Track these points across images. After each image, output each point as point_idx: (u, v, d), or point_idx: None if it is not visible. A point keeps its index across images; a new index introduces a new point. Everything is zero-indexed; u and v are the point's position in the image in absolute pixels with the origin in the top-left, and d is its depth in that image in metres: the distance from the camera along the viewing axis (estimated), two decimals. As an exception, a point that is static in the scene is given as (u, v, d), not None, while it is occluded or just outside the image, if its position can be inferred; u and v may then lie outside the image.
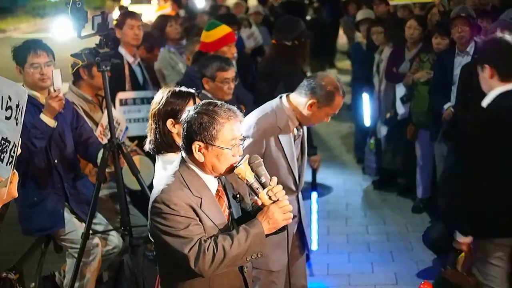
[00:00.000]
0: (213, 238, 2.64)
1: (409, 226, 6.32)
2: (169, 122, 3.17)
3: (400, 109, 6.73)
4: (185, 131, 2.71)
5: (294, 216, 3.91)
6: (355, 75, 9.04)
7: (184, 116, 2.74)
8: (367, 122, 7.72)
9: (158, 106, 3.21)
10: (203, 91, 4.59)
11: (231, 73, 4.59)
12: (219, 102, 2.76)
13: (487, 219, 3.65)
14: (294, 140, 3.89)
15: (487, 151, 3.55)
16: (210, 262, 2.59)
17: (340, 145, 9.27)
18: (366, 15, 8.41)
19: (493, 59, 3.75)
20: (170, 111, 3.18)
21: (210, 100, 2.81)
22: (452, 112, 5.67)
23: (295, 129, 3.89)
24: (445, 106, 5.75)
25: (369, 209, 6.84)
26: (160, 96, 3.25)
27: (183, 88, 3.29)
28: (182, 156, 2.78)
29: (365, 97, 7.72)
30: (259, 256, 2.71)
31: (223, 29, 5.47)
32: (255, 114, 3.93)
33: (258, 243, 2.67)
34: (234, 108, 2.75)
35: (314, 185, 5.88)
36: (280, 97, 3.90)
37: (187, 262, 2.60)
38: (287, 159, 3.85)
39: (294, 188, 3.94)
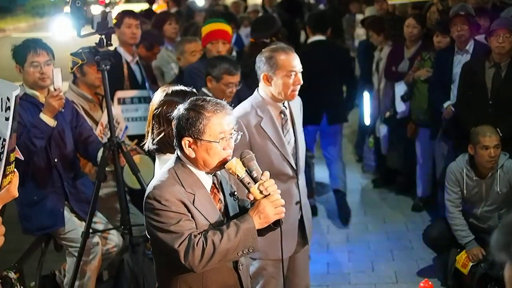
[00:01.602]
0: (203, 233, 2.64)
1: (409, 224, 6.32)
2: None
3: (399, 108, 6.72)
4: (175, 128, 2.72)
5: (297, 202, 3.90)
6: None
7: (174, 113, 2.75)
8: (367, 120, 7.71)
9: (162, 106, 3.13)
10: (203, 89, 4.58)
11: (236, 78, 4.58)
12: (207, 98, 2.75)
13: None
14: (282, 125, 3.87)
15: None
16: (200, 257, 2.59)
17: (339, 143, 9.24)
18: (373, 12, 8.39)
19: (308, 20, 6.64)
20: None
21: (199, 96, 2.81)
22: (452, 111, 5.67)
23: (281, 114, 3.86)
24: (445, 105, 5.74)
25: (369, 207, 6.83)
26: (162, 95, 3.18)
27: (188, 88, 3.24)
28: (177, 154, 2.78)
29: (366, 95, 7.72)
30: (251, 251, 2.70)
31: (210, 26, 5.47)
32: (235, 111, 3.92)
33: (249, 238, 2.65)
34: (223, 102, 2.73)
35: None
36: (257, 91, 3.90)
37: (178, 257, 2.60)
38: (276, 146, 3.81)
39: (292, 173, 3.88)
